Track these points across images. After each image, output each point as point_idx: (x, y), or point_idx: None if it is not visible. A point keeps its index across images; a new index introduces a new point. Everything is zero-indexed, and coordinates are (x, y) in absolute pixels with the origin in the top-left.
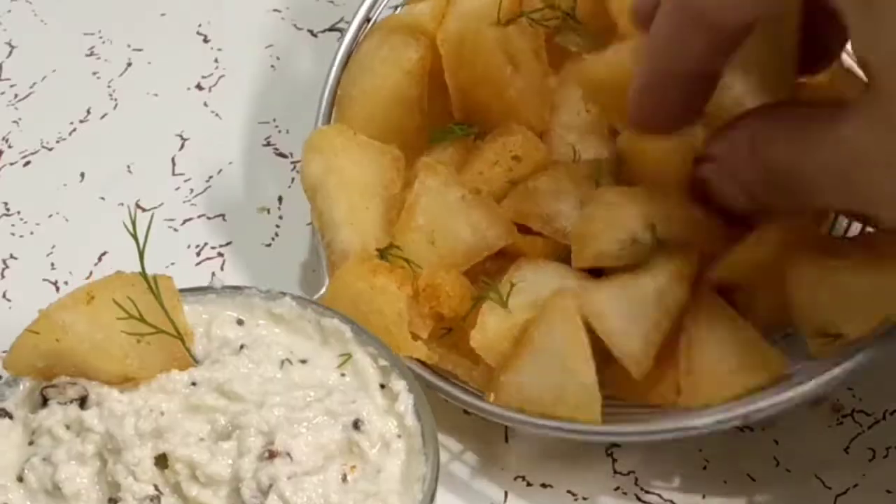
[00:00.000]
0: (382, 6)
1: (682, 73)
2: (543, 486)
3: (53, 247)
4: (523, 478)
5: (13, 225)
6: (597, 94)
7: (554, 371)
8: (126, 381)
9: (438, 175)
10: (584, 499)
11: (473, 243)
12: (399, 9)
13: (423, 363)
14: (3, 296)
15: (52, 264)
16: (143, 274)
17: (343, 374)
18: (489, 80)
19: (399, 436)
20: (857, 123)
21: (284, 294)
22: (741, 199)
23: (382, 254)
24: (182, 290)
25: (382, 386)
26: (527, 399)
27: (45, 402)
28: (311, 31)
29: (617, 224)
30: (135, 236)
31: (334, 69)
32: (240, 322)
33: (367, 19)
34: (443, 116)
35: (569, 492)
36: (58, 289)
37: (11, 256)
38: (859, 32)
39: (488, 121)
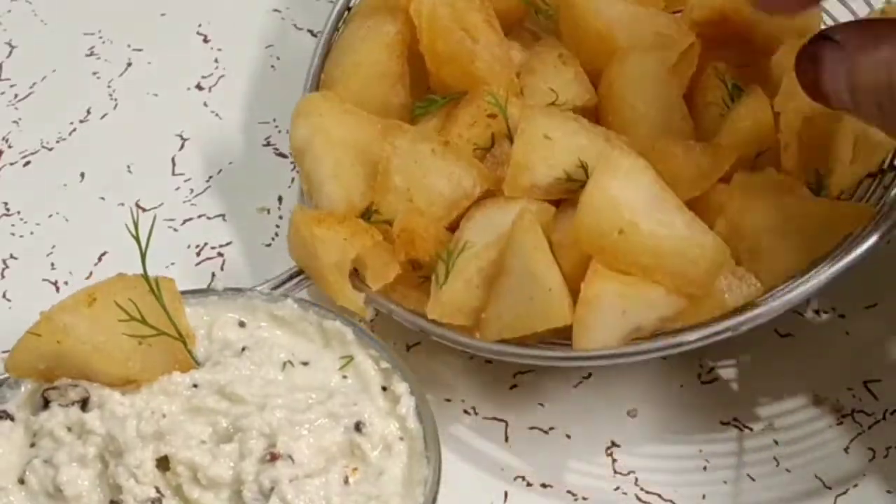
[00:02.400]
0: None
1: None
2: (543, 486)
3: (53, 247)
4: (523, 478)
5: (13, 225)
6: None
7: (524, 286)
8: (127, 384)
9: (406, 133)
10: (584, 499)
11: (451, 194)
12: None
13: (416, 313)
14: (3, 296)
15: (52, 264)
16: (145, 276)
17: (345, 377)
18: (454, 57)
19: (401, 438)
20: None
21: (286, 296)
22: (843, 95)
23: (365, 216)
24: (183, 292)
25: (384, 388)
26: (507, 326)
27: (46, 404)
28: (311, 31)
29: (552, 160)
30: (137, 238)
31: (318, 54)
32: (241, 324)
33: (347, 7)
34: (424, 91)
35: (569, 492)
36: (58, 289)
37: (11, 256)
38: None
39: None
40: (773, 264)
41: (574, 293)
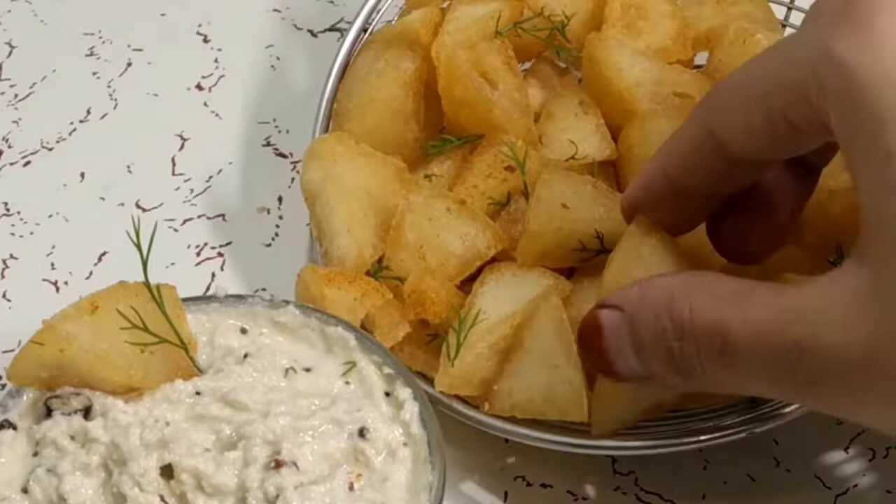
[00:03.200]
0: (379, 17)
1: (686, 187)
2: (543, 486)
3: (53, 247)
4: (523, 478)
5: (13, 225)
6: None
7: (542, 372)
8: (130, 392)
9: (422, 190)
10: (584, 499)
11: (464, 254)
12: (395, 20)
13: (423, 375)
14: (3, 296)
15: (52, 264)
16: (147, 284)
17: (347, 383)
18: (472, 103)
19: (405, 444)
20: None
21: (288, 302)
22: (632, 362)
23: (374, 273)
24: (185, 300)
25: (387, 394)
26: (517, 404)
27: (49, 412)
28: (311, 31)
29: (568, 230)
30: (138, 246)
31: (331, 79)
32: (243, 331)
33: (364, 29)
34: (439, 127)
35: (569, 492)
36: (58, 289)
37: (11, 256)
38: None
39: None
40: None
41: (589, 371)
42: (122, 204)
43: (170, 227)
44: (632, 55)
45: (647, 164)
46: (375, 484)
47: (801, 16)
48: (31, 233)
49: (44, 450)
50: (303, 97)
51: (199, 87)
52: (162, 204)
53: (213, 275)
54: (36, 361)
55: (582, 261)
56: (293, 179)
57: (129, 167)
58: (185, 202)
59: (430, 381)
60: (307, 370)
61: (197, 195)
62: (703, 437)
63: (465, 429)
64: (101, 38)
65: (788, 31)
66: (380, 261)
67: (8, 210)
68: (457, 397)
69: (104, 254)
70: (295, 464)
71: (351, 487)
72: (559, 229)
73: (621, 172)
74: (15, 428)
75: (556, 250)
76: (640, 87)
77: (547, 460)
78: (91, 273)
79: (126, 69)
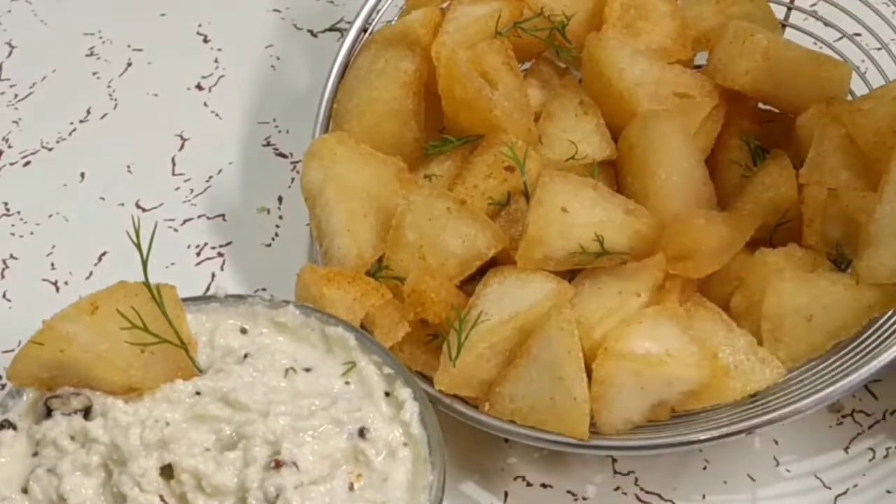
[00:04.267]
0: (379, 17)
1: None
2: (543, 486)
3: (53, 247)
4: (523, 478)
5: (13, 225)
6: None
7: (547, 382)
8: (130, 392)
9: (422, 190)
10: (584, 499)
11: (464, 254)
12: (395, 20)
13: (423, 375)
14: (3, 296)
15: (52, 264)
16: (147, 284)
17: (348, 383)
18: (472, 103)
19: (405, 444)
20: None
21: (288, 302)
22: None
23: (374, 273)
24: (185, 300)
25: (387, 394)
26: (518, 410)
27: (49, 412)
28: (311, 32)
29: (568, 234)
30: (138, 246)
31: (331, 79)
32: (243, 331)
33: (364, 29)
34: (439, 127)
35: (569, 492)
36: (58, 289)
37: (11, 256)
38: None
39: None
40: (796, 346)
41: (591, 372)
42: (122, 204)
43: (170, 227)
44: (632, 55)
45: None
46: (375, 484)
47: (802, 16)
48: (31, 233)
49: (44, 450)
50: (303, 97)
51: (199, 87)
52: (162, 204)
53: (213, 275)
54: (36, 361)
55: (583, 263)
56: (293, 179)
57: (129, 167)
58: (185, 202)
59: (430, 381)
60: (307, 370)
61: (197, 195)
62: (703, 437)
63: (465, 429)
64: (101, 38)
65: (788, 31)
66: (380, 261)
67: (8, 210)
68: (457, 397)
69: (104, 254)
70: (295, 464)
71: (351, 487)
72: (559, 234)
73: (621, 173)
74: (15, 428)
75: (556, 254)
76: (640, 87)
77: (547, 460)
78: (91, 273)
79: (126, 69)
